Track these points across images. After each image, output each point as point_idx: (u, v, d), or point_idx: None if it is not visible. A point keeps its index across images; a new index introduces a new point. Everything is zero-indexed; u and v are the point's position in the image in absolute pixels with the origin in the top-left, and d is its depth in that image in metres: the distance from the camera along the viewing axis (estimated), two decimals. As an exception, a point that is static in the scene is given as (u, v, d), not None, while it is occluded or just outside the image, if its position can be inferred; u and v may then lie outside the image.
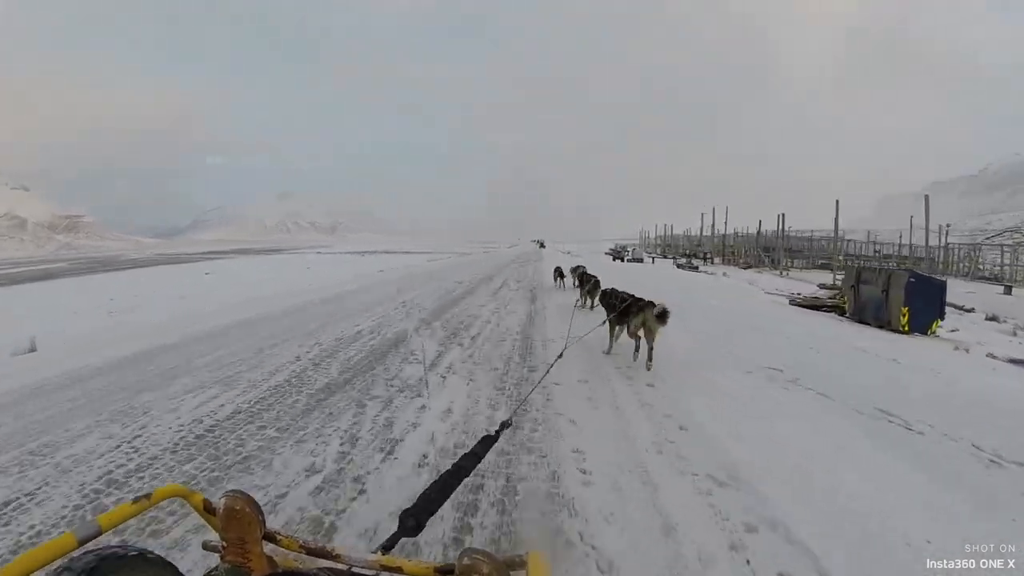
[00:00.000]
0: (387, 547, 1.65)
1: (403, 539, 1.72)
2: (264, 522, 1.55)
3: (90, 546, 1.24)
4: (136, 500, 1.42)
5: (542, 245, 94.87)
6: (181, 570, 1.47)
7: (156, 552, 1.42)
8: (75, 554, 1.22)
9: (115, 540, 2.28)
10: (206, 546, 1.66)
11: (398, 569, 1.43)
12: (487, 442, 2.23)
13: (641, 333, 5.89)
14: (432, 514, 1.73)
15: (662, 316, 5.65)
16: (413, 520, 1.67)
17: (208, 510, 1.57)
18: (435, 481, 1.88)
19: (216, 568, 1.53)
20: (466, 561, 1.23)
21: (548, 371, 4.45)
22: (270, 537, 1.57)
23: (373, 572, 1.51)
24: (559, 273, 15.43)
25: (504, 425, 2.56)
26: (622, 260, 35.50)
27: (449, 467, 1.97)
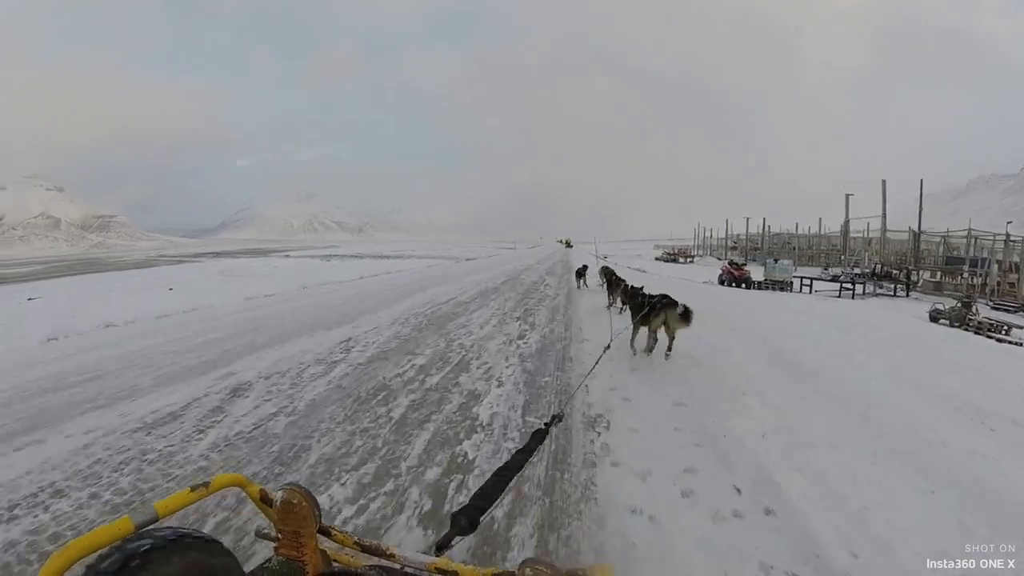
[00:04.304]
0: (440, 546, 1.62)
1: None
2: (320, 516, 1.54)
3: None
4: (194, 488, 1.44)
5: (569, 245, 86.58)
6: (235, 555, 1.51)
7: (213, 537, 1.48)
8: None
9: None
10: (259, 533, 1.69)
11: (453, 573, 1.44)
12: (538, 436, 2.15)
13: (662, 331, 5.98)
14: (484, 512, 1.68)
15: (685, 315, 5.74)
16: (466, 519, 1.62)
17: (265, 501, 1.59)
18: (487, 481, 1.82)
19: (270, 560, 1.53)
20: (528, 572, 1.22)
21: (593, 368, 4.43)
22: (325, 532, 1.58)
23: (427, 574, 1.49)
24: (580, 274, 14.47)
25: (555, 419, 2.47)
26: (741, 285, 17.72)
27: (501, 465, 1.92)
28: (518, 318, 8.69)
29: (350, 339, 6.63)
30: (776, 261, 18.10)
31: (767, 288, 17.05)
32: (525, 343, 6.69)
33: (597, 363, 4.42)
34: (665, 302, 5.97)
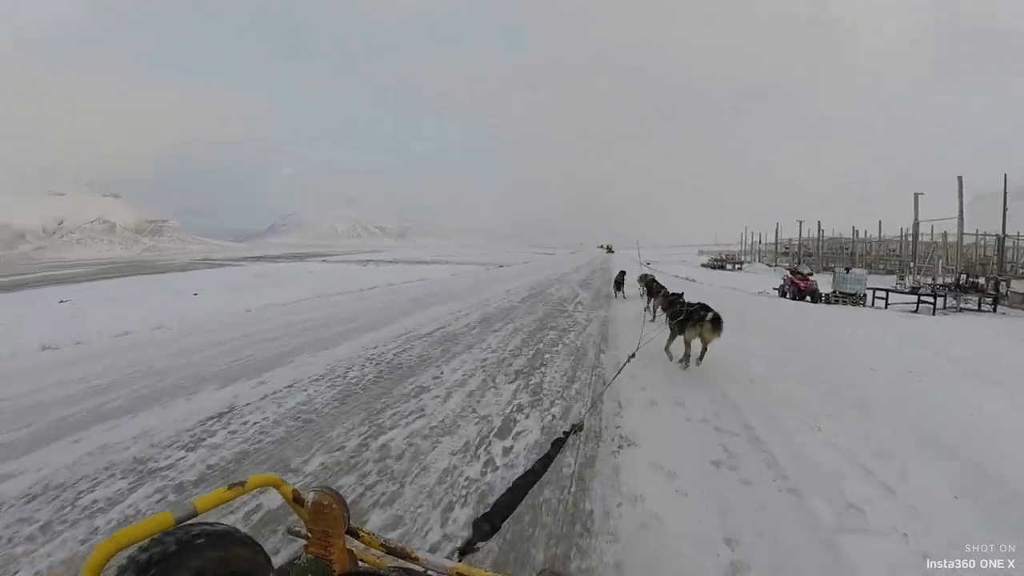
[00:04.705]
0: (463, 551, 1.68)
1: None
2: (349, 518, 1.61)
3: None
4: (231, 486, 1.52)
5: (610, 250, 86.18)
6: (266, 550, 1.65)
7: (245, 533, 1.60)
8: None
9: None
10: (290, 531, 1.84)
11: None
12: (558, 444, 2.20)
13: (696, 342, 5.94)
14: (505, 518, 1.72)
15: (716, 324, 5.68)
16: (488, 525, 1.68)
17: (297, 500, 1.68)
18: (509, 487, 1.86)
19: (300, 558, 1.58)
20: None
21: (618, 373, 4.41)
22: (353, 533, 1.64)
23: None
24: (618, 283, 14.11)
25: (575, 428, 2.49)
26: (806, 297, 15.27)
27: (522, 472, 1.98)
28: (518, 373, 5.68)
29: (200, 427, 3.95)
30: (848, 270, 15.33)
31: (837, 302, 14.70)
32: (508, 450, 3.62)
33: (618, 373, 4.18)
34: (700, 315, 5.89)
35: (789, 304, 13.98)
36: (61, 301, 14.65)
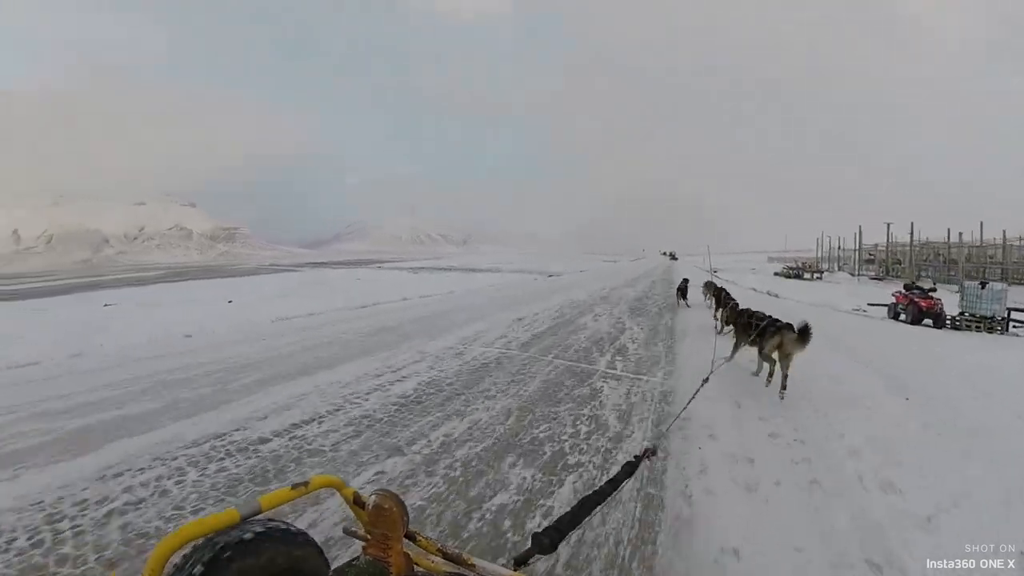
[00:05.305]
0: (519, 562, 1.63)
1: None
2: (408, 522, 1.61)
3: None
4: (295, 486, 1.56)
5: (673, 257, 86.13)
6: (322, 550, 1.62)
7: (305, 532, 1.60)
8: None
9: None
10: (347, 531, 1.86)
11: None
12: (629, 468, 2.10)
13: (776, 356, 5.40)
14: (565, 536, 1.65)
15: (803, 336, 5.03)
16: (547, 539, 1.61)
17: (358, 503, 1.71)
18: (575, 505, 1.80)
19: (358, 558, 1.58)
20: None
21: (692, 399, 3.93)
22: (411, 536, 1.67)
23: None
24: (682, 292, 14.08)
25: (648, 452, 2.35)
26: (924, 321, 11.99)
27: (591, 492, 1.88)
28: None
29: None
30: (983, 285, 11.67)
31: (968, 328, 11.50)
32: None
33: (692, 399, 3.73)
34: (781, 324, 5.48)
35: (924, 334, 11.03)
36: (106, 305, 15.38)
